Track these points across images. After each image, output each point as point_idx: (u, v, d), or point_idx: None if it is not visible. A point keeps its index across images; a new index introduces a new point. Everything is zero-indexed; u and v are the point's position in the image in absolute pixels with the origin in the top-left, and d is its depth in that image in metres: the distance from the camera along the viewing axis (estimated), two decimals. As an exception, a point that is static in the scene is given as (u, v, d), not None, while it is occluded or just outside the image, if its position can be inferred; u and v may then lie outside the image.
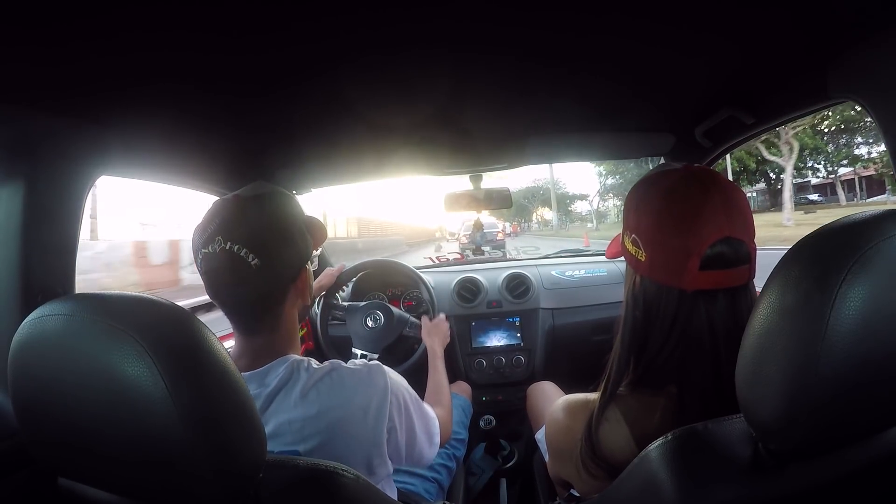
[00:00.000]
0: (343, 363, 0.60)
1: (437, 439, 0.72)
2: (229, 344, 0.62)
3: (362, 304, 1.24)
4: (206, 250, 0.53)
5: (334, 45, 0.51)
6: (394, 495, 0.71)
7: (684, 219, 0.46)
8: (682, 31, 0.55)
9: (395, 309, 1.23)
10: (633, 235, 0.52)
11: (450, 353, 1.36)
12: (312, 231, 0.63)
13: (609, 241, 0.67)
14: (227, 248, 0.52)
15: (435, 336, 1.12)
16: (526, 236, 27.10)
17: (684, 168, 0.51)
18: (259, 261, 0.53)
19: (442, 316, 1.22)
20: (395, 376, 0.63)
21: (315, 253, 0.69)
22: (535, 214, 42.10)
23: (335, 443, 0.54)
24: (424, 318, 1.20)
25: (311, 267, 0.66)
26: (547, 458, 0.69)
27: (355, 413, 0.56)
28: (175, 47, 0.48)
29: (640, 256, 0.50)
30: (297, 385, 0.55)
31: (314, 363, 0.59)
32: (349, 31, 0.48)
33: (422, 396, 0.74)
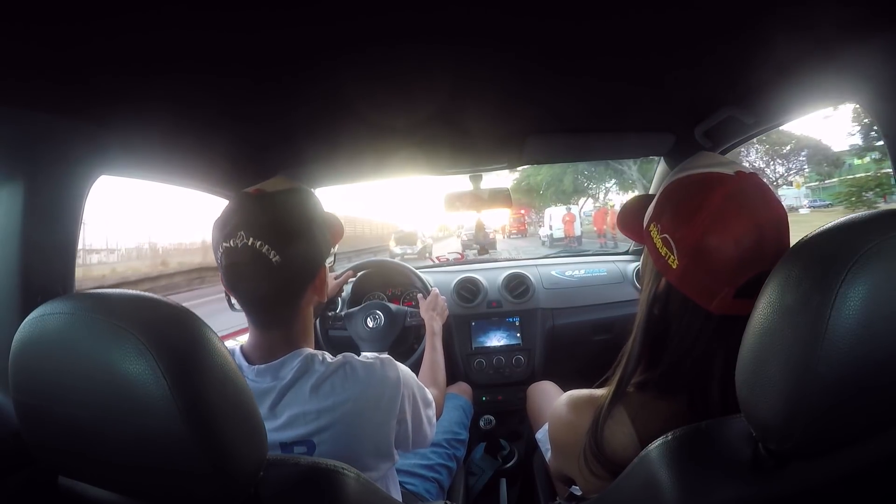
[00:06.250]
0: (356, 356, 0.61)
1: (435, 421, 0.74)
2: (230, 343, 0.63)
3: (359, 307, 1.25)
4: (228, 244, 0.54)
5: (332, 33, 0.50)
6: (397, 487, 0.71)
7: (732, 253, 0.43)
8: (682, 31, 0.55)
9: (392, 305, 1.24)
10: (666, 235, 0.48)
11: (450, 353, 1.36)
12: (330, 228, 0.64)
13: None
14: (250, 243, 0.53)
15: (433, 311, 1.13)
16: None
17: (737, 179, 0.46)
18: (280, 258, 0.54)
19: (435, 290, 1.23)
20: (404, 369, 0.65)
21: (333, 250, 0.69)
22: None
23: (347, 432, 0.56)
24: (420, 298, 1.21)
25: (329, 263, 0.67)
26: (548, 455, 0.70)
27: (368, 404, 0.58)
28: (174, 42, 0.48)
29: (672, 262, 0.47)
30: (312, 378, 0.57)
31: (328, 356, 0.60)
32: (347, 17, 0.47)
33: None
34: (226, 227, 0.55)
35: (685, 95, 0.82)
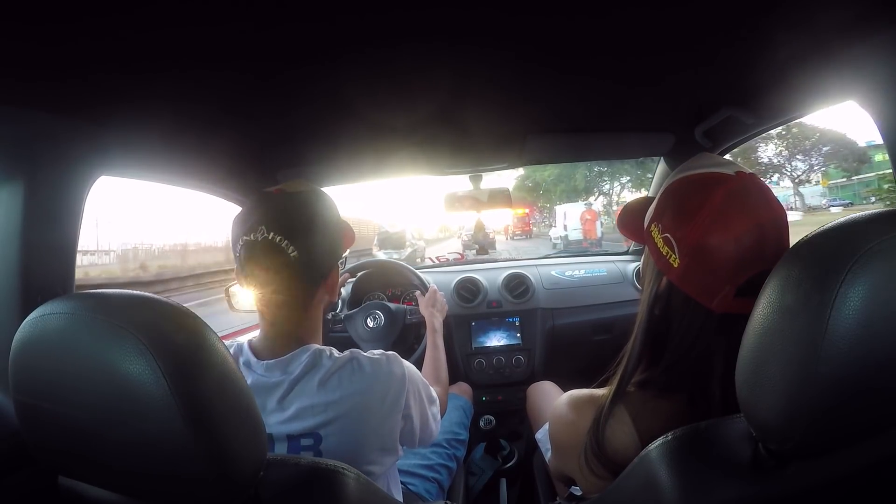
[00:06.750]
0: (363, 352, 0.63)
1: (439, 418, 0.75)
2: (229, 341, 0.63)
3: (359, 308, 1.25)
4: (248, 237, 0.56)
5: (333, 32, 0.50)
6: (398, 486, 0.72)
7: (733, 252, 0.44)
8: (682, 31, 0.55)
9: (391, 304, 1.24)
10: (667, 235, 0.49)
11: (450, 354, 1.36)
12: (344, 233, 0.66)
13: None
14: (270, 237, 0.55)
15: (432, 307, 1.14)
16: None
17: (738, 179, 0.46)
18: (297, 253, 0.56)
19: (433, 286, 1.24)
20: (410, 366, 0.66)
21: (344, 255, 0.71)
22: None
23: (353, 426, 0.57)
24: (418, 295, 1.22)
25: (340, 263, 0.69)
26: (548, 455, 0.70)
27: (374, 399, 0.59)
28: (174, 40, 0.48)
29: (673, 261, 0.48)
30: (320, 372, 0.58)
31: (335, 352, 0.62)
32: (348, 16, 0.47)
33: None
34: (247, 222, 0.57)
35: (685, 95, 0.82)
